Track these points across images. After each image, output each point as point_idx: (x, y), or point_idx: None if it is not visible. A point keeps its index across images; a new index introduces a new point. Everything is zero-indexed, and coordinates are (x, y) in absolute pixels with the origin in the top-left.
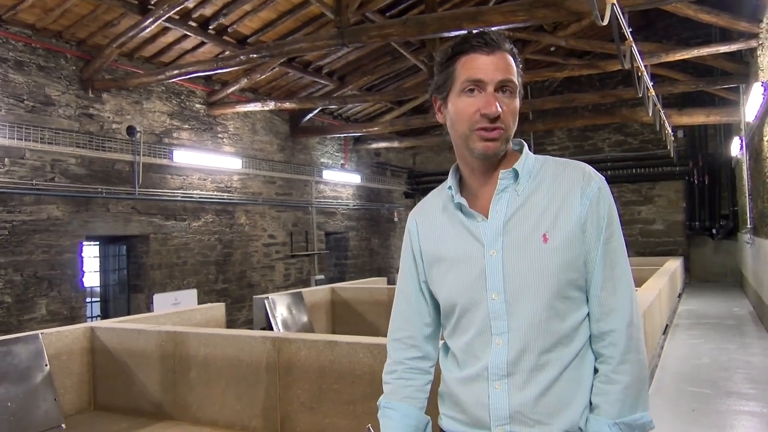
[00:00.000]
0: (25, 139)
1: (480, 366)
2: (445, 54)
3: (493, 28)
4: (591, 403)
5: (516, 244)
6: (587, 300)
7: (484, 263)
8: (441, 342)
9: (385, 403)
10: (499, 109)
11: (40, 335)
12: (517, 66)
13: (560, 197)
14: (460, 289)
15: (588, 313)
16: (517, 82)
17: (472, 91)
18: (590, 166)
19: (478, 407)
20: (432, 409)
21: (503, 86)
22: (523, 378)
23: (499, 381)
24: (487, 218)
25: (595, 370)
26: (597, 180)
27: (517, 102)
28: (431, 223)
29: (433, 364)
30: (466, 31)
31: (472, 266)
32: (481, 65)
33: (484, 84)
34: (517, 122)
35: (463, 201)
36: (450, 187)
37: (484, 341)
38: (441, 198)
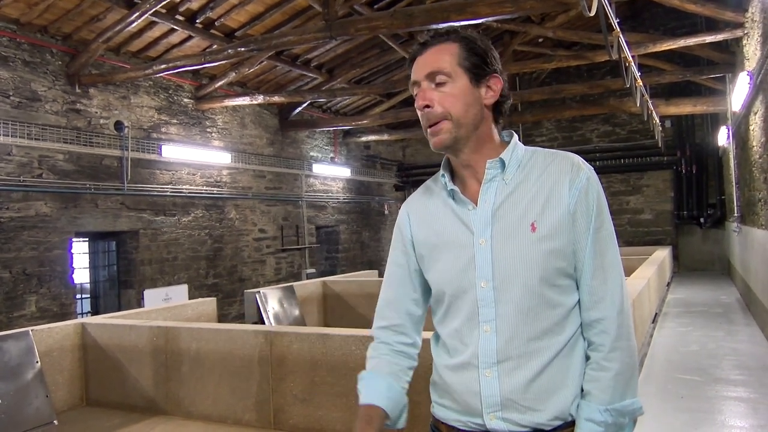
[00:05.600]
0: (12, 135)
1: (469, 353)
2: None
3: (480, 20)
4: (582, 390)
5: (504, 233)
6: (578, 288)
7: (474, 251)
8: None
9: (368, 374)
10: (423, 102)
11: (30, 332)
12: (467, 50)
13: (549, 187)
14: (450, 276)
15: (579, 301)
16: (454, 67)
17: (416, 93)
18: (579, 157)
19: (469, 395)
20: (425, 399)
21: (433, 77)
22: (513, 365)
23: (490, 368)
24: (477, 207)
25: (587, 358)
26: (586, 170)
27: (457, 86)
28: (424, 210)
29: (418, 352)
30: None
31: (461, 254)
32: (415, 67)
33: (418, 83)
34: (468, 105)
35: (456, 188)
36: (443, 175)
37: (472, 328)
38: (434, 187)
